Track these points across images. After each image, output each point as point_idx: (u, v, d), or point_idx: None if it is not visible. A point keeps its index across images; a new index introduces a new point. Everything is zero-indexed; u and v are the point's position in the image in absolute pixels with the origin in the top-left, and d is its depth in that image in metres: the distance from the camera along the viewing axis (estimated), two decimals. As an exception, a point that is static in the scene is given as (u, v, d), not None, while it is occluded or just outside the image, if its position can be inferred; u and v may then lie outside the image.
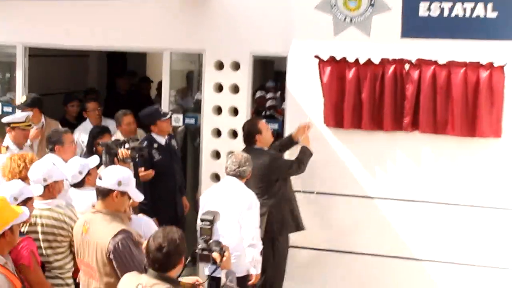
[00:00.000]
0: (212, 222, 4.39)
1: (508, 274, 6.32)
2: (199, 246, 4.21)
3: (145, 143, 6.55)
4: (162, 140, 6.91)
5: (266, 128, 6.62)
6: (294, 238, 6.72)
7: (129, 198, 4.61)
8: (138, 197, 4.68)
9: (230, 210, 5.70)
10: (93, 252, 4.43)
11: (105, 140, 6.30)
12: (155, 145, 6.78)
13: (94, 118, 7.80)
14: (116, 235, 4.34)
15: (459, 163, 6.44)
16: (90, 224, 4.50)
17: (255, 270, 5.81)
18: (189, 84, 8.90)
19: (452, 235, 6.50)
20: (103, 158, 5.83)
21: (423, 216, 6.57)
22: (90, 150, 6.81)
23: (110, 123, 7.61)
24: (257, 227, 5.82)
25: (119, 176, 4.54)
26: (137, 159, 5.86)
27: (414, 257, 6.63)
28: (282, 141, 6.90)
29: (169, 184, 6.88)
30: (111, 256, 4.33)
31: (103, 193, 4.51)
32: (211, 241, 4.23)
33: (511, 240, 6.34)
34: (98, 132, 6.94)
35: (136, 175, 5.66)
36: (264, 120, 6.86)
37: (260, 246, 5.81)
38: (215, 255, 4.15)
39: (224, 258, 4.17)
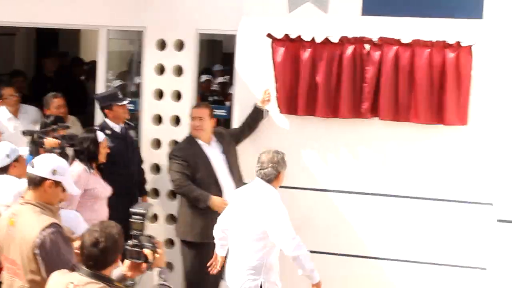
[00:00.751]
0: (144, 216, 4.25)
1: (479, 273, 6.29)
2: (129, 242, 4.13)
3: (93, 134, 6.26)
4: (116, 127, 6.57)
5: (192, 116, 6.54)
6: None
7: (63, 190, 4.57)
8: (73, 190, 4.66)
9: (249, 219, 5.35)
10: (19, 246, 4.37)
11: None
12: (108, 132, 6.41)
13: (11, 106, 7.44)
14: (45, 229, 4.29)
15: (422, 153, 6.37)
16: (18, 216, 4.44)
17: (314, 279, 5.47)
18: (130, 67, 8.83)
19: (414, 231, 6.42)
20: (28, 147, 5.69)
21: (383, 210, 6.50)
22: None
23: (30, 111, 7.38)
24: (292, 235, 5.37)
25: (54, 165, 4.51)
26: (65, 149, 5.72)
27: (371, 255, 6.54)
28: (247, 118, 6.71)
29: (123, 177, 6.46)
30: (37, 251, 4.27)
31: (35, 182, 4.45)
32: (142, 236, 4.15)
33: (478, 236, 6.26)
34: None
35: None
36: (201, 109, 6.69)
37: (305, 252, 5.40)
38: (147, 251, 4.07)
39: (157, 255, 4.10)
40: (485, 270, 6.19)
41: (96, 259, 3.84)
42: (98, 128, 6.38)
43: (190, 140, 6.48)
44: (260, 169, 5.43)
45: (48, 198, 4.50)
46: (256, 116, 6.66)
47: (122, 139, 6.61)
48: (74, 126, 7.13)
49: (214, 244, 6.03)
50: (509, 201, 6.22)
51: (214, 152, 6.50)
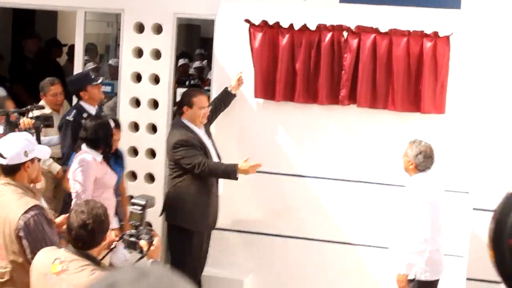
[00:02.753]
0: (144, 207, 4.33)
1: (456, 261, 6.29)
2: (127, 232, 4.26)
3: (73, 112, 6.22)
4: (92, 109, 6.43)
5: (198, 105, 6.25)
6: (221, 220, 6.57)
7: (38, 160, 4.66)
8: (45, 153, 4.74)
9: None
10: (2, 227, 4.42)
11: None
12: (85, 115, 6.26)
13: None
14: (27, 211, 4.34)
15: (398, 141, 6.27)
16: None
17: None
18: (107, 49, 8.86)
19: (390, 218, 6.31)
20: (3, 127, 5.62)
21: (359, 196, 6.48)
22: None
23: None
24: (419, 232, 5.67)
25: (22, 146, 4.53)
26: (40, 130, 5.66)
27: (348, 241, 6.53)
28: (216, 98, 6.63)
29: None
30: (21, 234, 4.32)
31: (13, 170, 4.51)
32: (141, 227, 4.25)
33: (455, 224, 6.23)
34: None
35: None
36: (204, 96, 6.50)
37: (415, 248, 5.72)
38: (143, 243, 4.15)
39: (152, 247, 4.17)
40: (462, 257, 6.18)
41: (84, 240, 3.91)
42: (74, 111, 6.29)
43: (184, 126, 6.35)
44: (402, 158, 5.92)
45: (29, 176, 4.53)
46: (226, 100, 6.60)
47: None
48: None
49: (206, 233, 6.23)
50: (485, 190, 6.20)
51: (205, 137, 6.46)
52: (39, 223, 4.37)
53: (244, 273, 6.80)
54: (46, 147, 4.88)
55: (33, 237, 4.30)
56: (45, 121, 5.68)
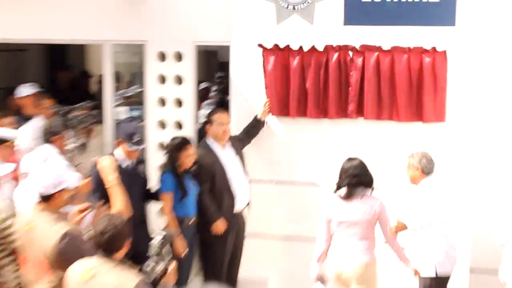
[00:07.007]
0: (162, 243, 4.55)
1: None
2: (147, 262, 4.41)
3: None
4: (124, 163, 6.07)
5: (218, 121, 6.33)
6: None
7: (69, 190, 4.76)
8: (74, 182, 4.83)
9: None
10: (39, 249, 4.48)
11: None
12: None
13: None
14: (62, 238, 4.47)
15: (404, 149, 6.34)
16: (34, 225, 4.63)
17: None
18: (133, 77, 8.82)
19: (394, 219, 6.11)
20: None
21: None
22: None
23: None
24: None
25: (52, 179, 4.67)
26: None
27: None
28: (248, 125, 6.73)
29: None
30: (59, 259, 4.43)
31: (46, 198, 4.65)
32: (159, 256, 4.47)
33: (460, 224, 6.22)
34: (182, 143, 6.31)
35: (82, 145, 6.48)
36: (224, 114, 6.52)
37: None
38: (159, 269, 4.40)
39: (167, 274, 4.40)
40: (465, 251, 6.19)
41: (105, 245, 4.05)
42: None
43: (206, 147, 6.40)
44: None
45: (60, 204, 4.67)
46: (256, 126, 6.70)
47: (129, 176, 6.02)
48: (99, 135, 7.24)
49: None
50: (482, 191, 6.34)
51: (229, 155, 6.48)
52: (74, 245, 4.47)
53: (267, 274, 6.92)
54: (76, 174, 4.93)
55: (71, 260, 4.35)
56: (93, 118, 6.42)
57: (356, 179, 5.66)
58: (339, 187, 5.75)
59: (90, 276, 4.08)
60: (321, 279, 5.77)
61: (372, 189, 5.70)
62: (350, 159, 5.80)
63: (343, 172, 5.75)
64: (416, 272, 5.80)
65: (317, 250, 5.82)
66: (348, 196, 5.65)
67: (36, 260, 4.63)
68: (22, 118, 7.30)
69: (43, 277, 4.63)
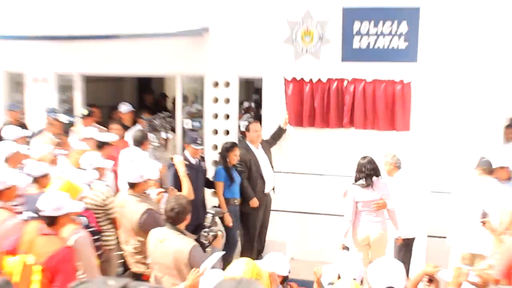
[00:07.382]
0: (213, 215, 5.03)
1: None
2: (202, 231, 4.74)
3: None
4: (192, 160, 6.83)
5: (253, 129, 7.29)
6: (274, 204, 7.46)
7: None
8: (154, 174, 5.40)
9: None
10: (129, 221, 5.13)
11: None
12: (186, 162, 6.69)
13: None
14: (144, 213, 5.06)
15: (383, 149, 7.18)
16: (125, 203, 5.24)
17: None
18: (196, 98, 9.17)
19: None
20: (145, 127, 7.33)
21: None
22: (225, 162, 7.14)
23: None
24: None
25: (139, 171, 5.19)
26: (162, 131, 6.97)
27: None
28: (274, 132, 7.61)
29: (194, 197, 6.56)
30: (142, 228, 5.03)
31: (132, 185, 5.26)
32: (211, 227, 4.87)
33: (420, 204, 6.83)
34: (231, 146, 7.09)
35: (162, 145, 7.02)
36: (257, 124, 7.36)
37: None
38: (211, 236, 4.76)
39: (216, 240, 4.75)
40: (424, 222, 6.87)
41: (173, 218, 4.46)
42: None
43: (246, 147, 7.23)
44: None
45: (142, 189, 5.24)
46: (280, 133, 7.77)
47: (195, 169, 6.84)
48: (173, 139, 8.04)
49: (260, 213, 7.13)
50: (439, 179, 7.10)
51: (261, 153, 7.37)
52: (153, 217, 4.92)
53: (286, 239, 7.78)
54: (157, 165, 5.52)
55: (149, 228, 4.76)
56: (165, 124, 7.01)
57: (370, 171, 6.28)
58: (358, 178, 6.28)
59: (162, 240, 4.42)
60: (346, 248, 6.26)
61: (378, 177, 6.40)
62: (363, 157, 6.36)
63: (361, 166, 6.29)
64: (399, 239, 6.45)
65: (344, 228, 6.37)
66: (367, 185, 6.31)
67: (126, 228, 5.20)
68: (123, 126, 8.16)
69: (130, 240, 5.24)
